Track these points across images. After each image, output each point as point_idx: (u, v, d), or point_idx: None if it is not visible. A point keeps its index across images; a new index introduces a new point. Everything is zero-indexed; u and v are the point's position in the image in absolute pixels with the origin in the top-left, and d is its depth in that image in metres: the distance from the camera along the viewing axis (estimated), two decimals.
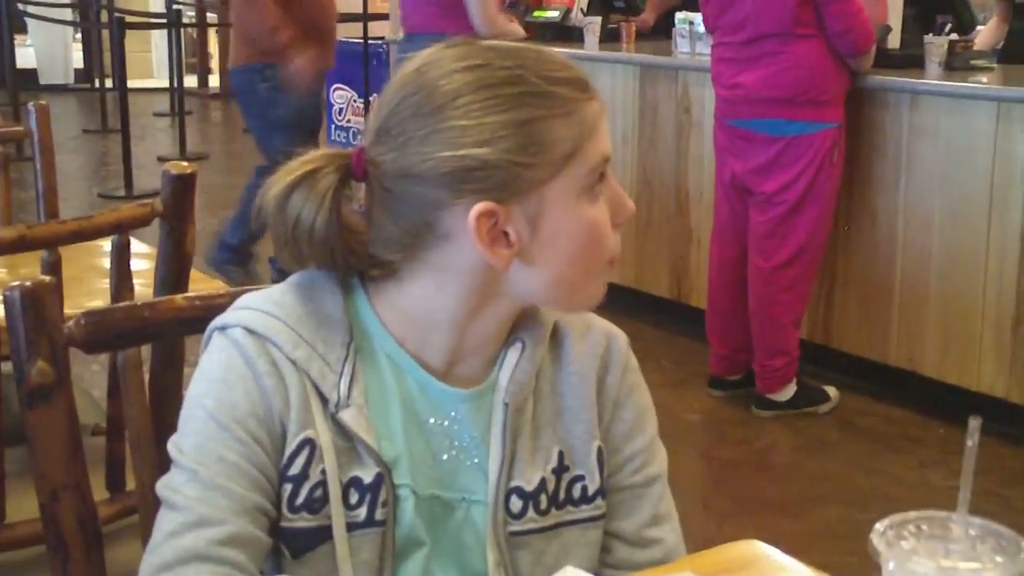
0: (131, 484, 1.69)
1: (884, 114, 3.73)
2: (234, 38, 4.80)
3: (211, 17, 11.82)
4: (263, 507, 1.06)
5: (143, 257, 2.11)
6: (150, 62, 12.78)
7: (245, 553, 1.03)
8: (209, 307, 1.22)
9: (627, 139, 4.61)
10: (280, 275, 1.18)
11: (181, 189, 1.75)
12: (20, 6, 10.52)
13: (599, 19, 5.15)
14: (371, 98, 7.38)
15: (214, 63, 12.45)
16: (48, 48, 11.96)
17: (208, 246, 4.77)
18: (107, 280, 1.80)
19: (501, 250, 1.05)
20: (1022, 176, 3.40)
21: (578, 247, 1.07)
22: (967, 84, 3.63)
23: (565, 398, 1.17)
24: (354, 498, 1.08)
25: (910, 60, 3.86)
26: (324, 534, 1.07)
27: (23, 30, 11.52)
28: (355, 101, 7.76)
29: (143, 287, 1.85)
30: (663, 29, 5.05)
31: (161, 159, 8.04)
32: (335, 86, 7.71)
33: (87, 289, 2.08)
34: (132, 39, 7.78)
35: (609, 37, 5.11)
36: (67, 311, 1.28)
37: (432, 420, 1.12)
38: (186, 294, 1.29)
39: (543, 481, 1.14)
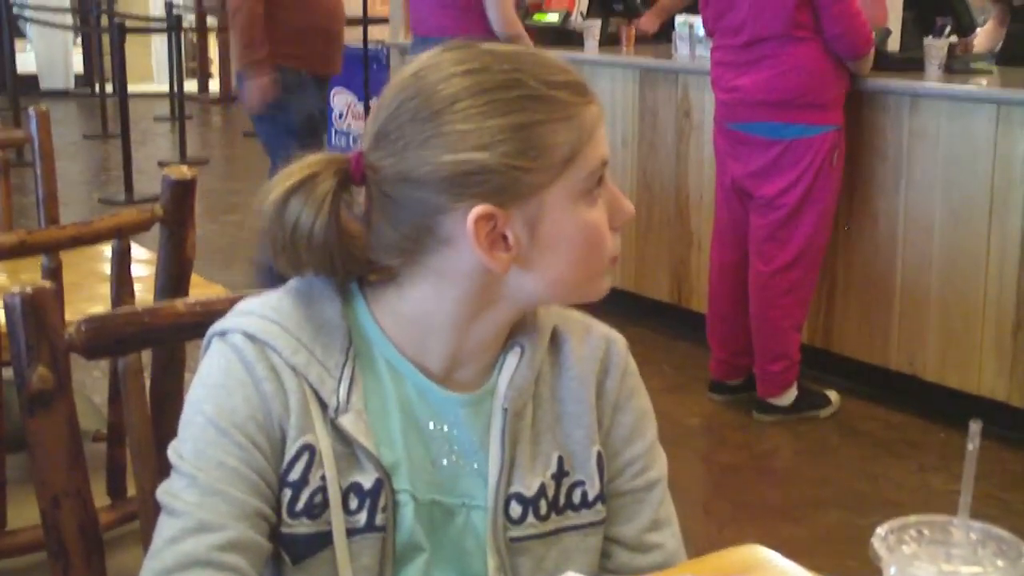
0: (132, 490, 1.69)
1: (884, 117, 3.74)
2: None
3: (211, 22, 11.84)
4: (263, 512, 1.06)
5: (143, 262, 2.11)
6: (150, 67, 12.79)
7: (245, 558, 1.03)
8: (209, 312, 1.21)
9: (627, 143, 4.61)
10: (268, 281, 1.18)
11: (181, 194, 1.75)
12: (19, 11, 10.53)
13: (599, 22, 5.14)
14: (371, 102, 7.39)
15: (214, 68, 12.47)
16: (48, 53, 11.97)
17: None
18: (107, 285, 1.80)
19: (500, 254, 1.05)
20: (1022, 179, 3.40)
21: (577, 250, 1.07)
22: (967, 87, 3.63)
23: (565, 403, 1.16)
24: (354, 503, 1.08)
25: (910, 63, 3.86)
26: (324, 540, 1.07)
27: (20, 35, 11.52)
28: (355, 105, 7.76)
29: (143, 292, 1.85)
30: (663, 33, 5.05)
31: (161, 164, 8.04)
32: (335, 90, 7.71)
33: (87, 294, 2.08)
34: (132, 44, 7.79)
35: (609, 40, 5.11)
36: (68, 317, 1.29)
37: (431, 425, 1.12)
38: (186, 299, 1.29)
39: (543, 486, 1.14)
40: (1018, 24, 4.79)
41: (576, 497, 1.16)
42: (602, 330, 1.21)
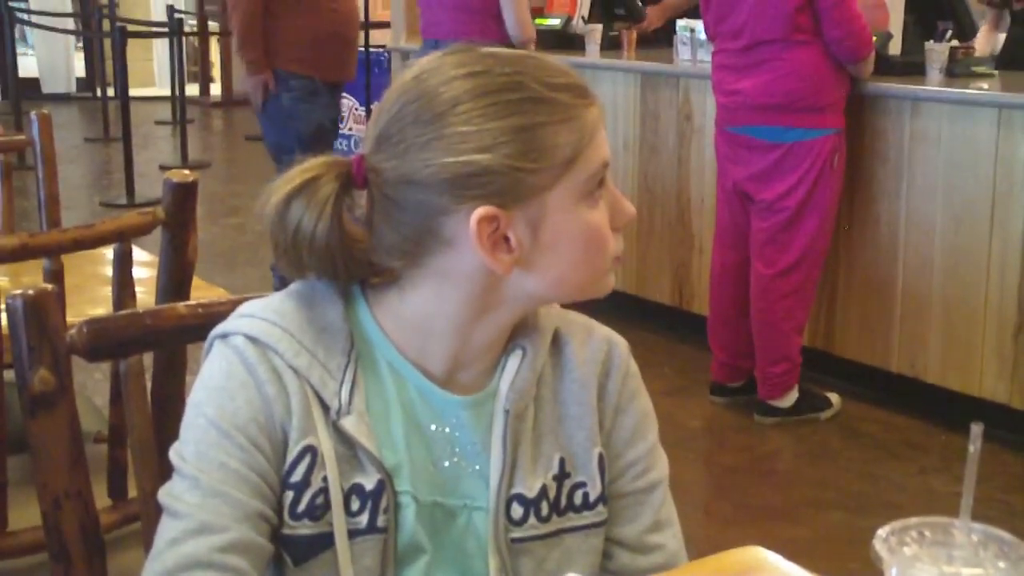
0: (133, 492, 1.70)
1: (885, 121, 3.74)
2: None
3: (212, 26, 11.84)
4: (265, 514, 1.06)
5: (145, 265, 2.12)
6: (152, 71, 12.81)
7: (247, 560, 1.03)
8: (211, 315, 1.22)
9: (628, 146, 4.61)
10: (282, 284, 1.18)
11: (183, 197, 1.75)
12: (21, 15, 10.54)
13: (600, 26, 5.15)
14: (372, 106, 7.39)
15: (215, 71, 12.47)
16: (50, 57, 11.98)
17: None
18: (109, 288, 1.80)
19: (502, 255, 1.05)
20: (1023, 182, 3.40)
21: (579, 251, 1.07)
22: (968, 91, 3.63)
23: (566, 405, 1.17)
24: (356, 505, 1.08)
25: (911, 67, 3.86)
26: (326, 541, 1.07)
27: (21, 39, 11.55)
28: (356, 109, 7.76)
29: (145, 295, 1.85)
30: (665, 37, 5.05)
31: (163, 167, 8.06)
32: None
33: (89, 297, 2.08)
34: (134, 48, 7.80)
35: (610, 44, 5.11)
36: (69, 319, 1.28)
37: (433, 427, 1.13)
38: (188, 302, 1.29)
39: (544, 488, 1.14)
40: (1018, 28, 4.80)
41: (577, 498, 1.16)
42: (604, 332, 1.21)
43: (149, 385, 1.36)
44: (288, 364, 1.07)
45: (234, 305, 1.16)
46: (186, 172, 1.78)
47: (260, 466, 1.06)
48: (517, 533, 1.13)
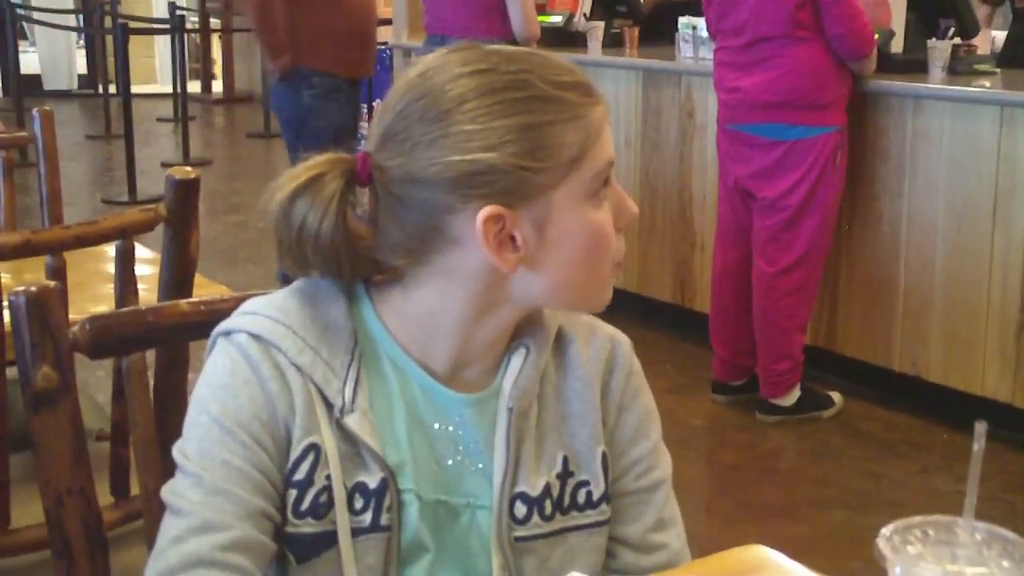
0: (135, 489, 1.70)
1: (887, 119, 3.73)
2: None
3: (214, 23, 11.84)
4: (268, 512, 1.06)
5: (147, 262, 2.12)
6: (153, 67, 12.81)
7: (250, 558, 1.03)
8: (213, 312, 1.22)
9: (630, 143, 4.61)
10: (287, 281, 1.18)
11: (185, 194, 1.75)
12: (22, 12, 10.54)
13: (602, 24, 5.15)
14: (374, 103, 7.39)
15: (217, 68, 12.47)
16: (52, 54, 11.98)
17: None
18: (111, 285, 1.81)
19: (508, 254, 1.05)
20: None
21: (583, 251, 1.07)
22: (971, 88, 3.63)
23: (570, 403, 1.16)
24: (359, 503, 1.08)
25: (913, 64, 3.86)
26: (329, 539, 1.07)
27: (23, 36, 11.54)
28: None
29: (147, 292, 1.85)
30: (667, 34, 5.04)
31: (165, 164, 8.04)
32: None
33: (91, 294, 2.08)
34: (135, 45, 7.81)
35: (612, 42, 5.11)
36: (72, 316, 1.28)
37: (436, 425, 1.12)
38: (190, 299, 1.29)
39: (548, 486, 1.14)
40: (1021, 25, 4.79)
41: (581, 497, 1.16)
42: (607, 331, 1.21)
43: (151, 382, 1.36)
44: (291, 362, 1.07)
45: (236, 302, 1.16)
46: (188, 169, 1.78)
47: (263, 464, 1.06)
48: (520, 532, 1.12)
